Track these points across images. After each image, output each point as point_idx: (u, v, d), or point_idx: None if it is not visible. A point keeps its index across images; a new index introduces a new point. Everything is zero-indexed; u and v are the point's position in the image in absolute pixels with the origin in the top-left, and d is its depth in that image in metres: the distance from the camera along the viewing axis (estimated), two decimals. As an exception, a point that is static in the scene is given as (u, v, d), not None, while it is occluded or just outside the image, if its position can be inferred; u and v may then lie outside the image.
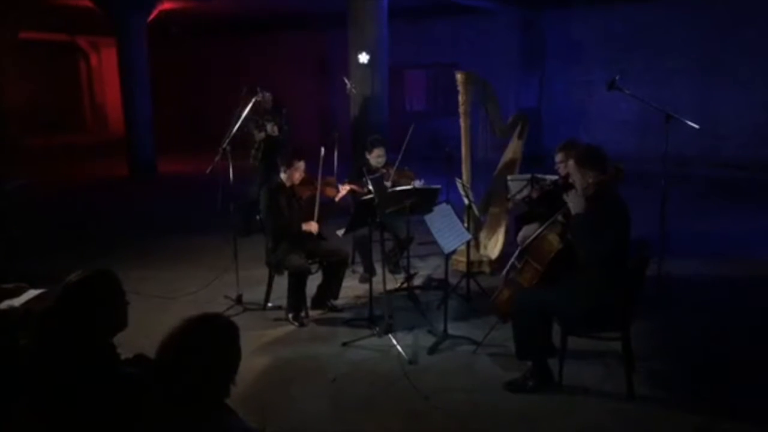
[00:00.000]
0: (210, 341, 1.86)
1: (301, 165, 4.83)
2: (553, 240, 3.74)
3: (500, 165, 6.04)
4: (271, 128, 6.92)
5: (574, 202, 3.55)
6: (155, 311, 4.85)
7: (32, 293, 3.29)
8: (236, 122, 5.60)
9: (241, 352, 1.93)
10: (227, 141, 5.10)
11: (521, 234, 4.65)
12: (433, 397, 3.58)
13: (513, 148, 6.02)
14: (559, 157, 4.61)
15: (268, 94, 5.13)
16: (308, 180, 4.97)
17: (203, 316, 1.93)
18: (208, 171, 5.11)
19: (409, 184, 4.88)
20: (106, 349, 2.29)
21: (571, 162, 3.65)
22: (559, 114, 12.98)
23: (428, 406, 3.50)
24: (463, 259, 5.33)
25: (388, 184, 5.51)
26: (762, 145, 10.86)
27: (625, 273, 3.47)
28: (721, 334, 4.46)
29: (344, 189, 5.30)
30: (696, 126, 5.10)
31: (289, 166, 4.78)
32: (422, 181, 5.24)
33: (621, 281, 3.44)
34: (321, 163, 5.02)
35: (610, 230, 3.37)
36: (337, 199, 5.24)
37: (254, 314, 4.89)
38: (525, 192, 4.93)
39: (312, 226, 4.83)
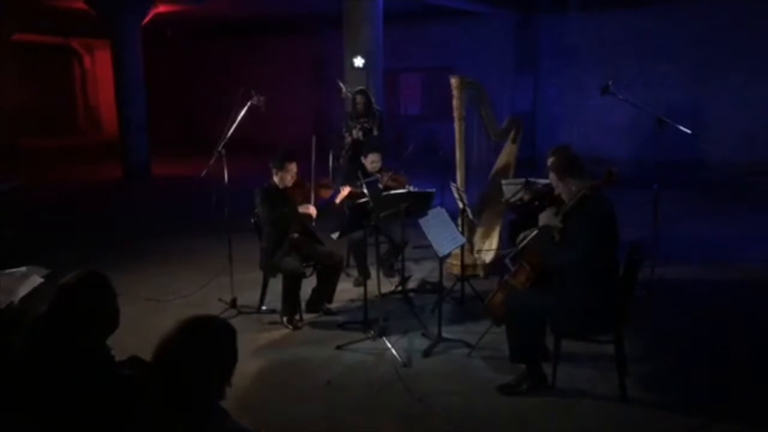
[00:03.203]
0: (207, 343, 1.86)
1: (293, 167, 4.79)
2: None
3: (495, 169, 6.06)
4: (357, 132, 7.05)
5: (544, 219, 3.58)
6: (149, 314, 4.83)
7: (34, 281, 3.30)
8: (232, 125, 5.60)
9: (237, 354, 1.93)
10: (222, 144, 5.10)
11: (520, 236, 4.67)
12: (427, 399, 3.59)
13: (507, 153, 6.04)
14: (551, 161, 4.63)
15: (263, 98, 5.14)
16: (301, 182, 4.96)
17: (200, 317, 1.93)
18: (202, 174, 5.11)
19: (401, 189, 4.89)
20: (100, 351, 2.29)
21: (552, 175, 3.65)
22: (553, 118, 13.04)
23: (422, 408, 3.51)
24: (458, 262, 5.35)
25: (380, 186, 5.51)
26: (754, 148, 10.93)
27: (616, 276, 3.49)
28: (713, 336, 4.49)
29: (345, 191, 5.30)
30: (688, 131, 5.14)
31: (280, 167, 4.75)
32: (413, 187, 5.23)
33: (612, 284, 3.46)
34: (313, 164, 5.02)
35: (589, 234, 3.35)
36: (338, 201, 5.24)
37: (249, 317, 4.89)
38: (518, 195, 4.96)
39: (310, 209, 4.80)
